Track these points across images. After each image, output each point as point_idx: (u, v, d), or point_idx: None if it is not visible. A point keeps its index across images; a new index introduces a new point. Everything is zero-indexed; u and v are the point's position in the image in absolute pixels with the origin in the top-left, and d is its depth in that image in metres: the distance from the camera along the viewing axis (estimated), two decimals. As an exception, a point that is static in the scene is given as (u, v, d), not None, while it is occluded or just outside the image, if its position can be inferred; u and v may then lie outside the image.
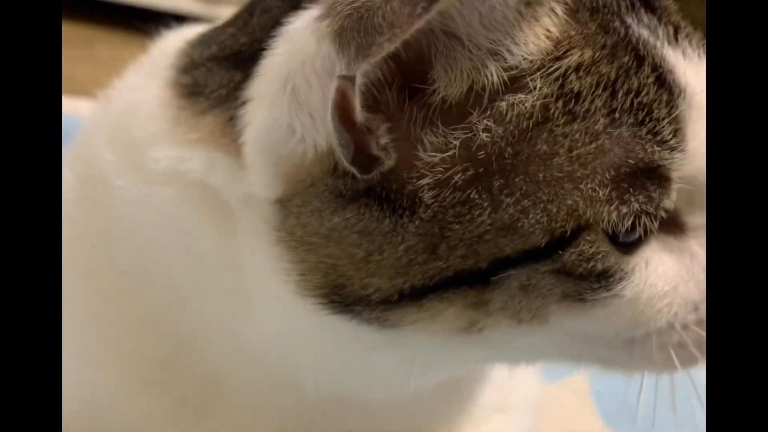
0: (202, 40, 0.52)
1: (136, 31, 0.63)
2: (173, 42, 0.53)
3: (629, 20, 0.43)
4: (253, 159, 0.44)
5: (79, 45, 1.93)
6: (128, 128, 0.50)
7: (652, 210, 0.41)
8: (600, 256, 0.41)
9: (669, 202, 0.42)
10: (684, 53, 0.44)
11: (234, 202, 0.46)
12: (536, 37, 0.40)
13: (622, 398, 0.83)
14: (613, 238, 0.42)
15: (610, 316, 0.43)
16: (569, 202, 0.41)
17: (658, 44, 0.44)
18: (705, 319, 0.45)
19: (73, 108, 0.71)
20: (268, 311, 0.47)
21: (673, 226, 0.45)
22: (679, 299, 0.45)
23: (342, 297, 0.43)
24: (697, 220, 0.45)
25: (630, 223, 0.41)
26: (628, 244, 0.43)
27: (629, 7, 0.44)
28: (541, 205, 0.40)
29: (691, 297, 0.45)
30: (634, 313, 0.44)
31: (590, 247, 0.41)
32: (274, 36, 0.43)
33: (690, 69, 0.44)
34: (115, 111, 0.52)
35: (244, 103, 0.45)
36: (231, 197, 0.46)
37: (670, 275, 0.44)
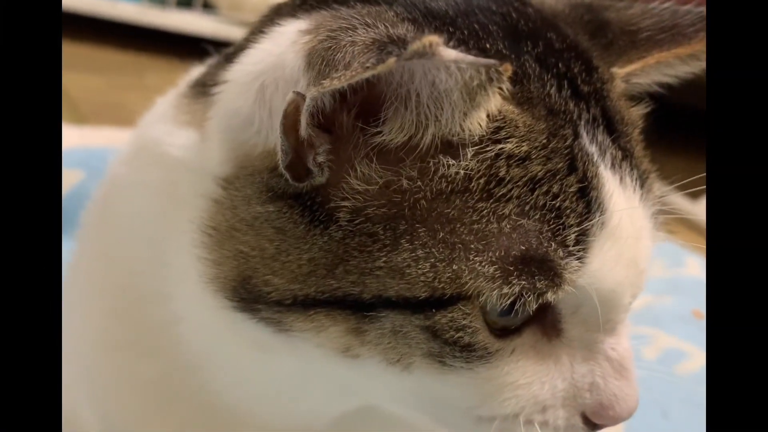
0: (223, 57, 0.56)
1: (183, 59, 0.64)
2: (198, 69, 0.58)
3: (582, 131, 0.46)
4: (213, 136, 0.48)
5: (130, 73, 1.98)
6: (142, 130, 0.56)
7: (531, 297, 0.43)
8: (470, 329, 0.43)
9: (553, 297, 0.43)
10: (621, 179, 0.46)
11: (186, 186, 0.49)
12: (479, 119, 0.42)
13: None
14: (490, 322, 0.44)
15: (463, 387, 0.45)
16: (455, 267, 0.43)
17: (600, 162, 0.45)
18: (549, 423, 0.47)
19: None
20: (188, 313, 0.51)
21: (551, 329, 0.46)
22: (530, 397, 0.46)
23: (247, 292, 0.46)
24: (574, 333, 0.46)
25: (509, 302, 0.43)
26: (502, 330, 0.44)
27: (590, 121, 0.46)
28: (432, 260, 0.43)
29: (542, 398, 0.46)
30: (484, 393, 0.46)
31: (463, 318, 0.43)
32: (264, 32, 0.48)
33: (619, 195, 0.46)
34: (138, 129, 0.57)
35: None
36: (187, 179, 0.49)
37: (529, 372, 0.46)
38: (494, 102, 0.43)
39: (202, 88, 0.52)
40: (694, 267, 1.30)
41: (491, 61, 0.39)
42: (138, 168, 0.55)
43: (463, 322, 0.43)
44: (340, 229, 0.43)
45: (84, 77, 1.79)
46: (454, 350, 0.44)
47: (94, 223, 0.59)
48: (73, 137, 1.14)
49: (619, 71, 0.53)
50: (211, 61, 0.57)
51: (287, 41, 0.45)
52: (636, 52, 0.54)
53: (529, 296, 0.43)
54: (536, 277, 0.43)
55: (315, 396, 0.52)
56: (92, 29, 2.06)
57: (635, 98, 0.54)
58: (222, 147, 0.47)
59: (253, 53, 0.48)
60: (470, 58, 0.38)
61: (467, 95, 0.40)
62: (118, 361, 0.56)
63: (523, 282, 0.42)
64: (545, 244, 0.43)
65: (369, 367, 0.45)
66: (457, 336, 0.43)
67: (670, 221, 0.51)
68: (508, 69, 0.39)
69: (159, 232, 0.51)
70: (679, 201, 1.97)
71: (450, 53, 0.37)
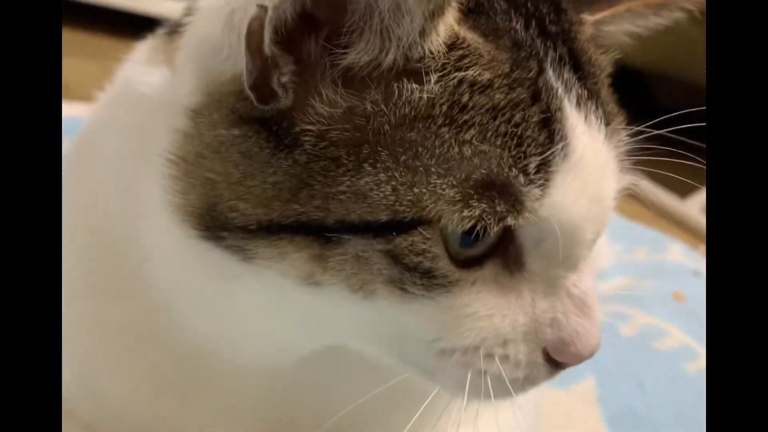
0: None
1: None
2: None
3: (548, 68, 0.46)
4: (183, 66, 0.49)
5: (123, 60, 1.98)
6: (119, 74, 0.56)
7: (491, 220, 0.43)
8: (429, 254, 0.44)
9: (514, 221, 0.44)
10: (586, 117, 0.47)
11: (157, 122, 0.49)
12: (438, 38, 0.43)
13: (627, 405, 0.84)
14: (453, 252, 0.44)
15: (424, 316, 0.46)
16: (416, 190, 0.43)
17: (565, 98, 0.46)
18: (510, 357, 0.47)
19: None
20: (157, 247, 0.51)
21: (513, 263, 0.47)
22: (491, 329, 0.46)
23: (212, 219, 0.46)
24: (536, 267, 0.47)
25: (468, 226, 0.43)
26: (464, 261, 0.45)
27: (557, 59, 0.47)
28: (393, 183, 0.43)
29: (503, 331, 0.47)
30: (445, 323, 0.46)
31: (423, 242, 0.44)
32: None
33: (582, 130, 0.46)
34: (116, 77, 0.58)
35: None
36: (159, 114, 0.49)
37: (491, 304, 0.46)
38: (452, 15, 0.43)
39: (177, 27, 0.52)
40: (677, 253, 1.32)
41: None
42: (112, 110, 0.56)
43: (423, 246, 0.44)
44: (305, 153, 0.44)
45: (78, 62, 1.80)
46: (415, 277, 0.44)
47: (71, 169, 0.59)
48: (66, 111, 1.14)
49: (589, 17, 0.54)
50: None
51: None
52: (607, 0, 0.55)
53: (489, 219, 0.43)
54: (496, 201, 0.43)
55: (280, 331, 0.52)
56: (88, 15, 2.07)
57: (605, 47, 0.55)
58: (192, 76, 0.48)
59: None
60: None
61: (422, 3, 0.41)
62: (90, 307, 0.57)
63: (484, 205, 0.43)
64: (506, 171, 0.43)
65: (332, 295, 0.46)
66: (416, 260, 0.44)
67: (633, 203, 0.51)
68: None
69: (131, 170, 0.52)
70: (669, 200, 2.00)
71: None
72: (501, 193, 0.43)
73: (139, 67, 0.53)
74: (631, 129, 0.51)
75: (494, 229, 0.44)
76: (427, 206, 0.43)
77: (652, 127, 0.51)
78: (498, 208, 0.43)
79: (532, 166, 0.44)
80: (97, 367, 0.58)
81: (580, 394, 0.85)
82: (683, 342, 0.96)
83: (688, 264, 1.25)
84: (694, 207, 1.99)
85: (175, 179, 0.47)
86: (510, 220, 0.44)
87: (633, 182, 0.51)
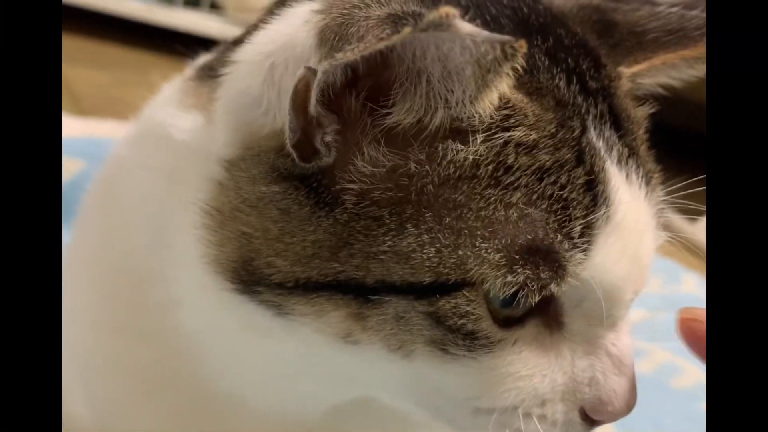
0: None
1: (189, 58, 0.64)
2: (206, 56, 0.58)
3: (590, 126, 0.46)
4: (219, 117, 0.48)
5: (134, 70, 1.98)
6: (147, 113, 0.56)
7: (535, 287, 0.43)
8: (473, 317, 0.43)
9: (557, 288, 0.43)
10: (627, 176, 0.46)
11: (190, 168, 0.49)
12: (489, 102, 0.42)
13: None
14: (493, 311, 0.44)
15: (464, 376, 0.45)
16: (461, 253, 0.43)
17: (607, 158, 0.46)
18: (548, 417, 0.46)
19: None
20: (187, 295, 0.50)
21: (553, 321, 0.46)
22: (531, 389, 0.46)
23: (248, 273, 0.45)
24: (576, 327, 0.46)
25: (512, 292, 0.43)
26: (506, 319, 0.44)
27: (597, 116, 0.47)
28: (437, 246, 0.43)
29: (542, 391, 0.46)
30: (485, 383, 0.45)
31: (466, 305, 0.43)
32: (276, 14, 0.48)
33: (624, 190, 0.46)
34: (143, 113, 0.57)
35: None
36: (191, 161, 0.49)
37: (531, 364, 0.46)
38: (506, 83, 0.42)
39: (210, 71, 0.51)
40: (691, 284, 1.30)
41: (507, 37, 0.38)
42: (142, 150, 0.55)
43: (467, 309, 0.43)
44: (346, 212, 0.43)
45: (88, 72, 1.79)
46: (457, 338, 0.44)
47: (93, 205, 0.59)
48: (75, 127, 1.14)
49: (626, 71, 0.53)
50: (219, 48, 0.56)
51: (299, 21, 0.45)
52: (642, 53, 0.54)
53: (532, 286, 0.43)
54: (540, 268, 0.42)
55: (310, 383, 0.51)
56: (98, 25, 2.06)
57: (640, 99, 0.54)
58: (228, 128, 0.47)
59: (264, 33, 0.48)
60: (486, 32, 0.38)
61: (480, 72, 0.40)
62: (112, 345, 0.56)
63: (528, 272, 0.42)
64: (551, 236, 0.43)
65: (369, 353, 0.45)
66: (460, 323, 0.43)
67: (668, 241, 0.51)
68: (523, 46, 0.38)
69: (161, 213, 0.51)
70: (677, 221, 1.98)
71: (466, 26, 0.37)
72: (545, 259, 0.43)
73: (170, 109, 0.52)
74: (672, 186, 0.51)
75: (536, 298, 0.43)
76: (472, 269, 0.43)
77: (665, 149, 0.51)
78: (542, 275, 0.43)
79: (576, 231, 0.43)
80: (118, 408, 0.57)
81: None
82: (699, 380, 0.94)
83: (701, 296, 1.22)
84: (703, 230, 1.96)
85: (209, 230, 0.47)
86: (553, 287, 0.43)
87: (670, 239, 0.51)
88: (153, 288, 0.52)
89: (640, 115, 0.52)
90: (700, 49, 0.53)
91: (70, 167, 1.02)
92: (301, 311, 0.45)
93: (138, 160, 0.55)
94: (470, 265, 0.43)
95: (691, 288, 1.28)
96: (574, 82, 0.47)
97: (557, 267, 0.43)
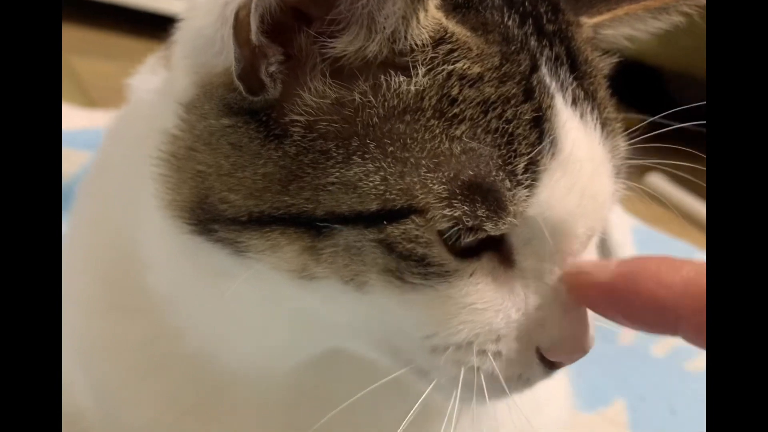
0: None
1: None
2: None
3: (542, 65, 0.46)
4: (178, 62, 0.49)
5: (141, 59, 1.98)
6: (130, 87, 0.56)
7: (470, 224, 0.43)
8: (422, 240, 0.43)
9: (493, 229, 0.43)
10: (582, 116, 0.46)
11: (153, 124, 0.49)
12: (422, 29, 0.43)
13: (659, 429, 0.82)
14: (448, 239, 0.44)
15: (420, 306, 0.45)
16: (407, 180, 0.43)
17: (558, 98, 0.46)
18: (503, 354, 0.46)
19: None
20: (153, 253, 0.51)
21: (506, 258, 0.46)
22: (485, 323, 0.46)
23: (204, 212, 0.46)
24: (527, 264, 0.46)
25: (448, 226, 0.43)
26: (461, 250, 0.44)
27: (552, 58, 0.47)
28: (382, 173, 0.43)
29: (496, 327, 0.46)
30: (442, 315, 0.45)
31: (416, 230, 0.43)
32: None
33: (576, 128, 0.46)
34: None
35: None
36: (156, 117, 0.49)
37: (487, 297, 0.45)
38: (432, 3, 0.43)
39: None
40: (706, 265, 1.29)
41: None
42: (118, 123, 0.57)
43: (416, 233, 0.43)
44: (294, 145, 0.44)
45: (95, 62, 1.79)
46: (410, 265, 0.44)
47: (85, 192, 0.60)
48: (82, 120, 1.14)
49: (588, 20, 0.53)
50: None
51: None
52: (605, 4, 0.54)
53: (468, 222, 0.43)
54: (478, 205, 0.43)
55: (276, 331, 0.52)
56: (105, 15, 2.06)
57: (603, 51, 0.54)
58: (185, 72, 0.48)
59: None
60: None
61: None
62: (107, 326, 0.56)
63: (465, 207, 0.43)
64: (494, 173, 0.43)
65: (325, 288, 0.45)
66: (409, 247, 0.43)
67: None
68: None
69: (131, 180, 0.52)
70: (692, 202, 1.96)
71: None
72: (485, 197, 0.43)
73: (144, 76, 0.54)
74: (640, 124, 0.51)
75: (468, 238, 0.44)
76: (418, 196, 0.43)
77: (670, 122, 0.50)
78: (478, 213, 0.43)
79: (520, 167, 0.43)
80: (117, 390, 0.57)
81: (610, 417, 0.84)
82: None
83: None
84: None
85: (165, 177, 0.47)
86: (489, 227, 0.43)
87: (638, 186, 0.50)
88: (137, 264, 0.53)
89: (601, 62, 0.52)
90: (664, 0, 0.53)
91: (77, 159, 1.02)
92: (256, 246, 0.45)
93: (116, 133, 0.57)
94: (416, 192, 0.43)
95: (705, 269, 1.27)
96: (529, 23, 0.47)
97: (497, 207, 0.43)
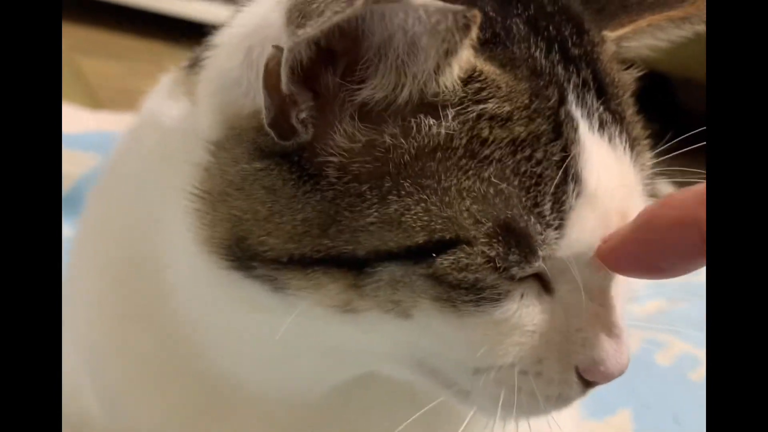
0: None
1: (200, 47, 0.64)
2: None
3: (569, 94, 0.46)
4: (202, 99, 0.49)
5: (148, 60, 1.99)
6: (144, 105, 0.57)
7: (500, 266, 0.44)
8: (473, 268, 0.43)
9: (519, 272, 0.44)
10: (610, 140, 0.47)
11: (179, 154, 0.50)
12: (453, 74, 0.43)
13: None
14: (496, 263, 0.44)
15: (472, 329, 0.45)
16: (452, 210, 0.43)
17: (584, 127, 0.46)
18: (544, 374, 0.47)
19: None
20: (183, 280, 0.51)
21: (546, 284, 0.47)
22: (530, 346, 0.47)
23: (242, 251, 0.46)
24: (564, 290, 0.47)
25: (481, 262, 0.43)
26: (510, 271, 0.44)
27: (580, 84, 0.47)
28: (423, 205, 0.43)
29: (540, 349, 0.47)
30: (493, 337, 0.46)
31: (466, 258, 0.43)
32: None
33: (603, 156, 0.46)
34: (142, 107, 0.59)
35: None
36: (180, 147, 0.50)
37: (536, 320, 0.46)
38: (467, 52, 0.43)
39: (198, 59, 0.53)
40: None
41: (459, 6, 0.39)
42: (138, 141, 0.57)
43: (466, 261, 0.43)
44: (331, 189, 0.44)
45: (103, 63, 1.80)
46: (461, 293, 0.44)
47: (97, 199, 0.60)
48: (89, 122, 1.14)
49: (611, 34, 0.53)
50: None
51: (272, 1, 0.46)
52: (628, 15, 0.54)
53: (499, 264, 0.43)
54: (512, 249, 0.43)
55: (309, 361, 0.52)
56: (112, 15, 2.07)
57: (627, 62, 0.55)
58: (211, 110, 0.48)
59: (241, 16, 0.50)
60: (439, 2, 0.39)
61: (435, 42, 0.41)
62: (118, 335, 0.57)
63: (500, 249, 0.43)
64: (525, 216, 0.44)
65: (368, 319, 0.46)
66: (460, 277, 0.44)
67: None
68: (476, 15, 0.40)
69: (156, 201, 0.52)
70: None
71: None
72: (518, 241, 0.44)
73: (162, 99, 0.54)
74: (657, 149, 0.51)
75: (493, 276, 0.44)
76: (468, 227, 0.43)
77: (682, 136, 0.51)
78: (510, 258, 0.44)
79: (547, 209, 0.44)
80: (125, 398, 0.57)
81: (616, 426, 0.84)
82: (720, 372, 0.92)
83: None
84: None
85: (200, 213, 0.47)
86: (515, 271, 0.44)
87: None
88: (152, 276, 0.53)
89: (627, 78, 0.53)
90: (686, 10, 0.53)
91: (84, 161, 1.02)
92: (297, 285, 0.45)
93: (135, 151, 0.57)
94: (462, 222, 0.43)
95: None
96: (555, 50, 0.47)
97: (528, 252, 0.44)
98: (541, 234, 0.44)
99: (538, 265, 0.44)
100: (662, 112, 0.55)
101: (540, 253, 0.44)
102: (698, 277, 1.26)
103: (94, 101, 1.58)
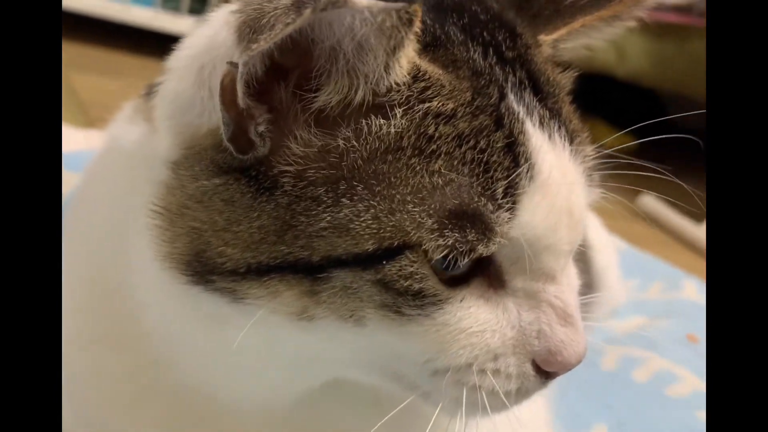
0: None
1: None
2: None
3: (509, 92, 0.49)
4: (160, 123, 0.51)
5: (140, 77, 1.99)
6: (109, 130, 0.59)
7: (463, 249, 0.45)
8: (418, 276, 0.46)
9: (485, 249, 0.46)
10: (550, 136, 0.49)
11: (140, 175, 0.51)
12: (403, 68, 0.45)
13: None
14: (438, 272, 0.46)
15: (420, 335, 0.47)
16: (398, 216, 0.45)
17: (527, 120, 0.48)
18: (502, 371, 0.48)
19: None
20: (149, 297, 0.53)
21: (495, 280, 0.49)
22: (483, 344, 0.48)
23: (201, 264, 0.47)
24: (517, 283, 0.49)
25: (442, 255, 0.45)
26: (451, 279, 0.47)
27: (516, 83, 0.49)
28: (372, 212, 0.45)
29: (493, 346, 0.48)
30: (441, 341, 0.47)
31: (410, 266, 0.45)
32: (201, 21, 0.51)
33: (547, 149, 0.48)
34: (107, 132, 0.61)
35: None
36: (141, 169, 0.52)
37: (481, 320, 0.48)
38: (411, 47, 0.45)
39: (154, 87, 0.54)
40: (692, 291, 1.30)
41: (401, 4, 0.41)
42: (102, 165, 0.59)
43: (411, 269, 0.45)
44: (285, 195, 0.46)
45: (95, 80, 1.81)
46: (407, 299, 0.46)
47: (68, 222, 0.61)
48: (79, 141, 1.14)
49: (546, 38, 0.56)
50: None
51: (220, 22, 0.48)
52: (561, 19, 0.57)
53: (461, 248, 0.45)
54: (468, 231, 0.45)
55: (275, 370, 0.53)
56: (105, 32, 2.08)
57: (565, 64, 0.57)
58: (169, 132, 0.50)
59: (189, 39, 0.51)
60: (381, 3, 0.41)
61: (383, 39, 0.43)
62: (92, 357, 0.58)
63: (456, 235, 0.45)
64: (476, 199, 0.46)
65: (325, 327, 0.47)
66: (406, 284, 0.46)
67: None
68: (417, 10, 0.42)
69: (119, 222, 0.54)
70: (684, 224, 1.98)
71: (361, 0, 0.40)
72: (473, 222, 0.45)
73: (123, 124, 0.56)
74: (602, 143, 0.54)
75: (464, 261, 0.46)
76: (410, 231, 0.45)
77: (660, 144, 0.54)
78: (469, 238, 0.45)
79: (499, 192, 0.46)
80: (103, 419, 0.58)
81: None
82: (697, 388, 0.94)
83: (702, 303, 1.23)
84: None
85: (161, 229, 0.49)
86: (480, 249, 0.46)
87: (603, 195, 0.53)
88: (123, 297, 0.54)
89: (562, 78, 0.55)
90: (615, 8, 0.56)
91: (73, 181, 1.03)
92: (255, 294, 0.47)
93: (100, 176, 0.59)
94: (408, 228, 0.45)
95: (692, 294, 1.28)
96: (491, 53, 0.49)
97: (484, 229, 0.45)
98: (493, 213, 0.46)
99: (499, 240, 0.46)
100: (651, 128, 0.57)
101: (496, 229, 0.46)
102: (680, 293, 1.27)
103: (86, 118, 1.59)
